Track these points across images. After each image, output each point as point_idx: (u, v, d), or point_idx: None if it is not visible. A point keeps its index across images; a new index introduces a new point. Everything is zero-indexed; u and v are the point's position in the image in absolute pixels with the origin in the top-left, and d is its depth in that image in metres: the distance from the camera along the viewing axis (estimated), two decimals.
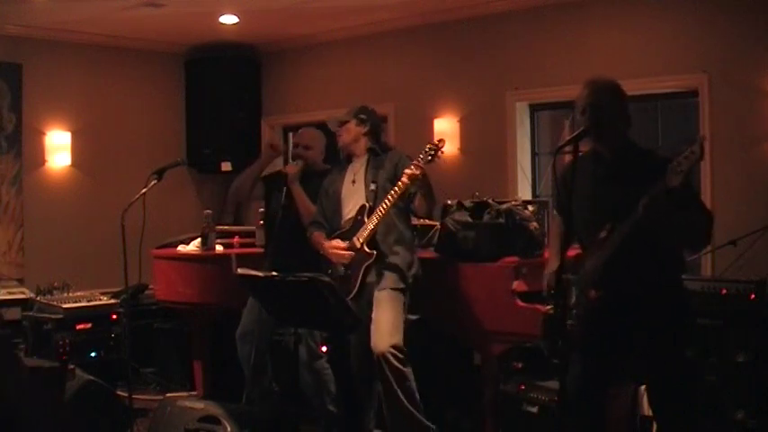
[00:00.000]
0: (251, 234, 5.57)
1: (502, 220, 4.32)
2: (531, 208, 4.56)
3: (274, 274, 3.83)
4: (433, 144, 3.87)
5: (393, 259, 4.07)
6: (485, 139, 6.24)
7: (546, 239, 4.60)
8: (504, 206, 4.38)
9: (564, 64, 5.84)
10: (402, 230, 4.13)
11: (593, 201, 3.27)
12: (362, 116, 4.26)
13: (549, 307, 3.44)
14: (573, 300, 3.29)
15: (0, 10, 6.10)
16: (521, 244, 4.32)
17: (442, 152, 3.91)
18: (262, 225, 5.14)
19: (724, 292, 4.15)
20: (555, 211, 3.59)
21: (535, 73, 6.04)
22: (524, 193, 6.07)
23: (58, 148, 6.90)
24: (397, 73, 6.68)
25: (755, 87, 5.02)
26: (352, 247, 4.05)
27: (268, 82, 7.76)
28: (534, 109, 6.31)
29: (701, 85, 5.25)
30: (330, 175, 4.40)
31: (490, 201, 4.47)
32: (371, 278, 4.05)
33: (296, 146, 4.76)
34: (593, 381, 3.34)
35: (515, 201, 4.57)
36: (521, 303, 4.17)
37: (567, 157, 3.29)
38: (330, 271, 4.11)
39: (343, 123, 4.28)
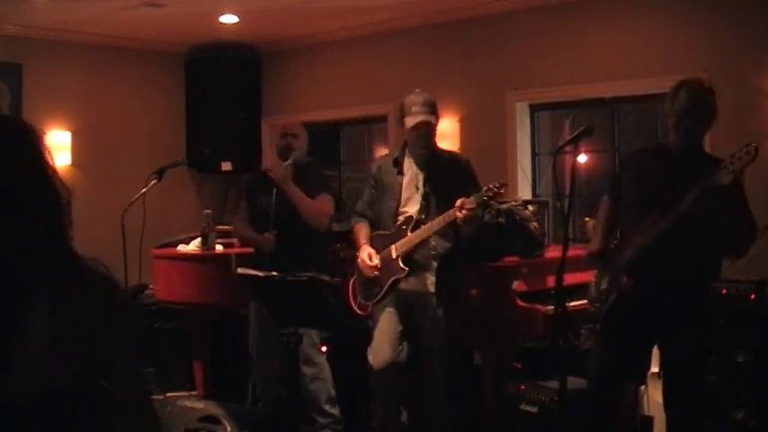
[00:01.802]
0: None
1: (502, 220, 4.32)
2: (531, 208, 4.56)
3: (274, 273, 3.82)
4: (496, 185, 3.73)
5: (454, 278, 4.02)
6: (485, 139, 6.24)
7: (547, 239, 4.60)
8: (504, 206, 4.38)
9: (564, 64, 5.84)
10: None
11: (650, 194, 3.29)
12: (437, 113, 4.08)
13: (549, 307, 3.46)
14: (604, 285, 3.33)
15: (0, 10, 6.09)
16: (521, 244, 4.33)
17: (501, 193, 3.80)
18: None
19: (724, 292, 4.16)
20: (608, 198, 3.59)
21: (535, 73, 6.03)
22: (524, 193, 6.06)
23: (58, 148, 6.89)
24: (397, 73, 6.68)
25: (755, 87, 5.02)
26: (386, 257, 3.98)
27: (268, 82, 7.76)
28: (534, 109, 6.30)
29: None
30: (380, 164, 4.24)
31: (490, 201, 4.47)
32: (407, 286, 3.97)
33: (284, 135, 4.68)
34: (614, 372, 3.38)
35: (515, 201, 4.57)
36: (521, 303, 4.17)
37: (571, 157, 3.32)
38: (359, 269, 4.07)
39: (424, 123, 4.00)
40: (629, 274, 3.27)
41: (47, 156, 1.59)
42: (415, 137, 4.02)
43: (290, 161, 4.55)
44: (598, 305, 3.39)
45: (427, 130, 3.99)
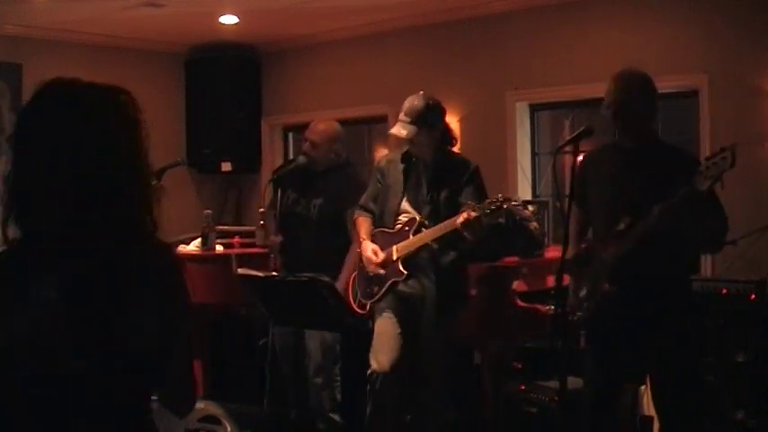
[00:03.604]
0: (251, 234, 5.57)
1: (502, 220, 4.31)
2: (531, 208, 4.57)
3: (274, 274, 3.82)
4: (497, 199, 3.63)
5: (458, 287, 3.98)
6: (485, 139, 6.24)
7: (547, 239, 4.60)
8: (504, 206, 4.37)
9: (564, 64, 5.84)
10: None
11: (613, 193, 3.28)
12: (432, 120, 3.93)
13: (549, 307, 3.45)
14: (584, 292, 3.31)
15: (0, 10, 6.09)
16: (521, 244, 4.33)
17: (504, 207, 3.69)
18: (262, 225, 5.13)
19: (724, 292, 4.16)
20: (573, 203, 3.58)
21: (535, 73, 6.03)
22: (524, 193, 6.06)
23: None
24: (396, 73, 6.68)
25: (755, 87, 5.02)
26: (387, 257, 3.92)
27: (268, 82, 7.76)
28: (534, 109, 6.30)
29: (701, 85, 5.25)
30: (389, 158, 4.15)
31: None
32: (405, 288, 3.93)
33: (305, 140, 4.62)
34: (606, 378, 3.36)
35: (515, 200, 4.56)
36: (521, 303, 4.18)
37: (571, 157, 3.30)
38: (361, 265, 4.05)
39: (393, 136, 4.00)
40: (610, 281, 3.24)
41: (142, 128, 1.64)
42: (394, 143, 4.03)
43: (296, 162, 4.55)
44: (580, 314, 3.35)
45: (402, 140, 3.96)
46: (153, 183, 1.70)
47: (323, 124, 4.66)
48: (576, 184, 3.39)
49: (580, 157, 3.39)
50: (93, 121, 1.56)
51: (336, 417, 4.50)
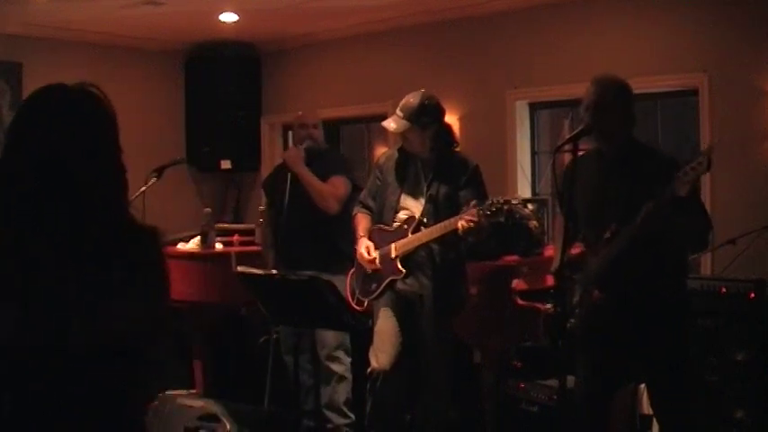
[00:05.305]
0: (251, 232, 5.57)
1: (501, 219, 4.31)
2: (530, 206, 4.57)
3: (274, 272, 3.81)
4: (497, 201, 3.61)
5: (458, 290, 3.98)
6: (484, 137, 6.23)
7: (546, 238, 4.60)
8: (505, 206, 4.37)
9: (564, 63, 5.83)
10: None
11: (597, 199, 3.27)
12: (425, 119, 3.91)
13: (549, 306, 3.44)
14: (576, 299, 3.29)
15: (0, 10, 6.09)
16: (521, 243, 4.33)
17: (514, 207, 3.68)
18: (262, 223, 5.13)
19: (723, 291, 4.15)
20: (558, 209, 3.59)
21: (535, 72, 6.03)
22: (524, 191, 6.07)
23: None
24: (396, 72, 6.68)
25: (755, 87, 5.02)
26: (386, 255, 3.93)
27: (268, 80, 7.76)
28: (534, 108, 6.31)
29: (701, 85, 5.25)
30: (388, 155, 4.15)
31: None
32: (403, 286, 3.93)
33: (304, 126, 4.74)
34: (599, 382, 3.34)
35: (515, 199, 4.55)
36: (520, 302, 4.18)
37: (569, 156, 3.29)
38: (359, 262, 4.05)
39: (385, 129, 4.03)
40: (599, 287, 3.23)
41: (111, 124, 1.77)
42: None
43: (302, 145, 4.60)
44: (573, 321, 3.33)
45: (397, 134, 3.98)
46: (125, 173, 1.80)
47: (313, 118, 4.83)
48: (561, 191, 3.38)
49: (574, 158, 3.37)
50: (75, 122, 1.68)
51: (350, 413, 4.52)
